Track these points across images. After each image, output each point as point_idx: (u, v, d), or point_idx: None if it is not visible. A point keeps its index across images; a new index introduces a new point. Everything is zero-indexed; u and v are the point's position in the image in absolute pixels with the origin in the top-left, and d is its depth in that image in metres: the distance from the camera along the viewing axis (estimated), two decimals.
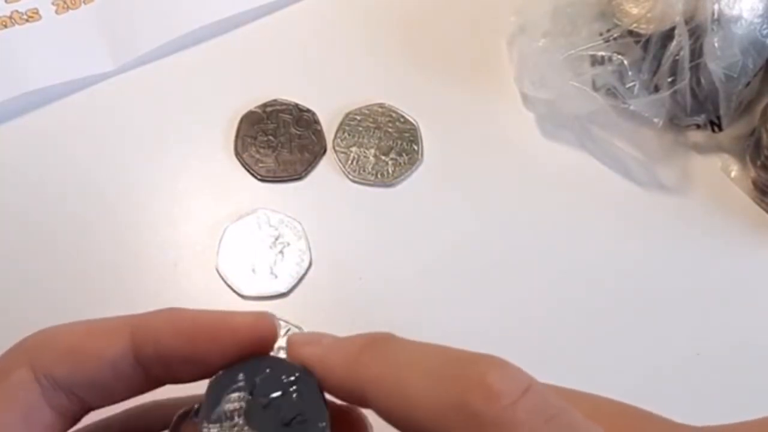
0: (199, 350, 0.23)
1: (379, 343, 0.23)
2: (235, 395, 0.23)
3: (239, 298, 0.42)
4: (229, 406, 0.23)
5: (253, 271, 0.43)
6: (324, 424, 0.23)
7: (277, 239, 0.44)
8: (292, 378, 0.24)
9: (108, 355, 0.23)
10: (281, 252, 0.43)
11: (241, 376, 0.24)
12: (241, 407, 0.23)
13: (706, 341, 0.42)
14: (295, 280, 0.43)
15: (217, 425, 0.23)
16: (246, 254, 0.43)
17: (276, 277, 0.43)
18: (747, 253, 0.45)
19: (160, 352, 0.23)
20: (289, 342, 0.25)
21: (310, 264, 0.43)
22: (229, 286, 0.43)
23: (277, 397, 0.23)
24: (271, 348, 0.24)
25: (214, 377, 0.24)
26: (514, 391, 0.20)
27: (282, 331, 0.41)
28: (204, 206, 0.45)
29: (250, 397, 0.23)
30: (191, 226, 0.45)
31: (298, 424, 0.23)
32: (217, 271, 0.43)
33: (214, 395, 0.23)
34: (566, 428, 0.21)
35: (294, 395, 0.23)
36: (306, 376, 0.24)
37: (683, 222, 0.45)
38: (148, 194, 0.46)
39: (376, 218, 0.45)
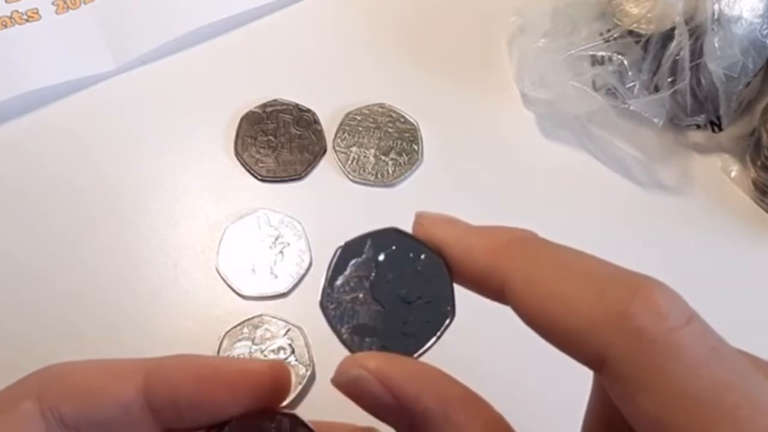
0: (214, 396, 0.23)
1: (529, 240, 0.23)
2: (361, 264, 0.23)
3: (239, 298, 0.42)
4: (354, 275, 0.23)
5: (253, 271, 0.43)
6: (449, 307, 0.22)
7: (277, 239, 0.44)
8: (421, 256, 0.23)
9: (120, 397, 0.23)
10: (281, 252, 0.43)
11: (368, 245, 0.23)
12: (365, 277, 0.23)
13: None
14: (295, 280, 0.43)
15: (341, 292, 0.23)
16: (246, 254, 0.43)
17: (276, 277, 0.43)
18: (747, 253, 0.45)
19: (173, 396, 0.23)
20: (418, 219, 0.24)
21: (310, 264, 0.43)
22: (229, 286, 0.43)
23: (402, 274, 0.23)
24: (285, 398, 0.24)
25: (343, 243, 0.23)
26: (681, 316, 0.20)
27: (282, 331, 0.41)
28: (204, 206, 0.45)
29: (375, 269, 0.23)
30: (191, 226, 0.45)
31: (423, 304, 0.22)
32: (217, 271, 0.43)
33: (341, 261, 0.23)
34: (728, 361, 0.20)
35: (419, 274, 0.23)
36: (433, 257, 0.23)
37: (683, 222, 0.45)
38: (148, 194, 0.46)
39: (376, 218, 0.45)
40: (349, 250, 0.24)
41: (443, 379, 0.22)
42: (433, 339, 0.22)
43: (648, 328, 0.19)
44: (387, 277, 0.23)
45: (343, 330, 0.23)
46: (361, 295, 0.23)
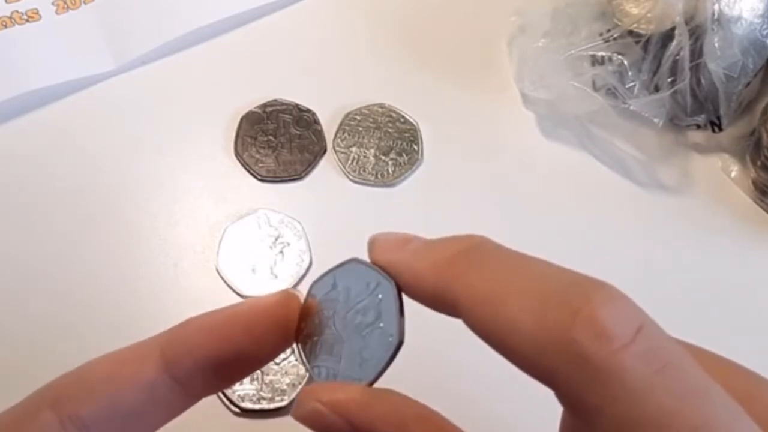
0: (235, 346, 0.23)
1: (474, 250, 0.22)
2: (326, 300, 0.24)
3: (239, 299, 0.42)
4: (320, 310, 0.24)
5: (253, 271, 0.43)
6: (393, 334, 0.22)
7: (277, 239, 0.44)
8: (378, 284, 0.24)
9: (141, 379, 0.22)
10: (281, 252, 0.43)
11: (333, 281, 0.24)
12: (330, 310, 0.24)
13: (705, 341, 0.42)
14: (295, 280, 0.43)
15: (311, 328, 0.24)
16: (246, 254, 0.43)
17: (276, 277, 0.43)
18: (747, 253, 0.45)
19: (197, 359, 0.23)
20: (372, 245, 0.24)
21: (310, 264, 0.43)
22: (229, 286, 0.43)
23: (361, 304, 0.24)
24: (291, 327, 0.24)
25: (311, 284, 0.24)
26: (627, 331, 0.19)
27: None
28: (204, 206, 0.45)
29: (337, 303, 0.24)
30: (191, 226, 0.45)
31: (378, 331, 0.23)
32: (217, 271, 0.43)
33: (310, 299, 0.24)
34: (678, 380, 0.18)
35: (377, 302, 0.23)
36: (384, 283, 0.23)
37: (683, 222, 0.45)
38: (148, 194, 0.46)
39: (376, 218, 0.45)
40: (317, 288, 0.25)
41: (398, 402, 0.22)
42: (383, 365, 0.23)
43: (591, 352, 0.18)
44: (348, 308, 0.24)
45: (310, 364, 0.25)
46: (326, 331, 0.24)
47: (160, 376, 0.22)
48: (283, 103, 0.48)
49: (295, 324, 0.24)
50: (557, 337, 0.19)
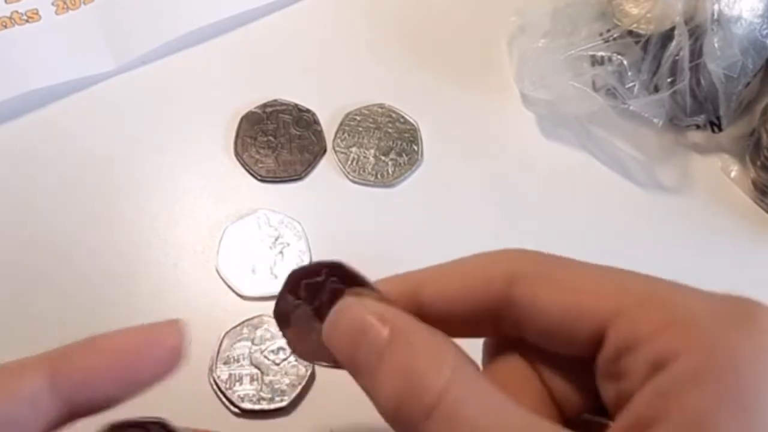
0: (124, 366, 0.24)
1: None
2: (311, 285, 0.27)
3: (239, 298, 0.42)
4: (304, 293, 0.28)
5: (253, 271, 0.43)
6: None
7: (277, 239, 0.44)
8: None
9: (23, 391, 0.23)
10: (281, 252, 0.43)
11: (324, 272, 0.27)
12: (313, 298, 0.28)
13: None
14: None
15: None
16: (246, 254, 0.43)
17: (276, 277, 0.43)
18: (747, 253, 0.45)
19: (79, 380, 0.23)
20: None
21: None
22: (229, 287, 0.43)
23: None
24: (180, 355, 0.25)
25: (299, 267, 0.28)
26: None
27: None
28: (204, 206, 0.45)
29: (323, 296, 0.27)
30: (191, 226, 0.45)
31: None
32: (217, 271, 0.43)
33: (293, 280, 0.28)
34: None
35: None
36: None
37: (683, 222, 0.45)
38: (148, 194, 0.46)
39: (376, 218, 0.45)
40: (304, 272, 0.27)
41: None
42: None
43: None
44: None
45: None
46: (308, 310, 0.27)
47: (42, 390, 0.23)
48: (283, 104, 0.48)
49: (180, 351, 0.25)
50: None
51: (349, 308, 0.26)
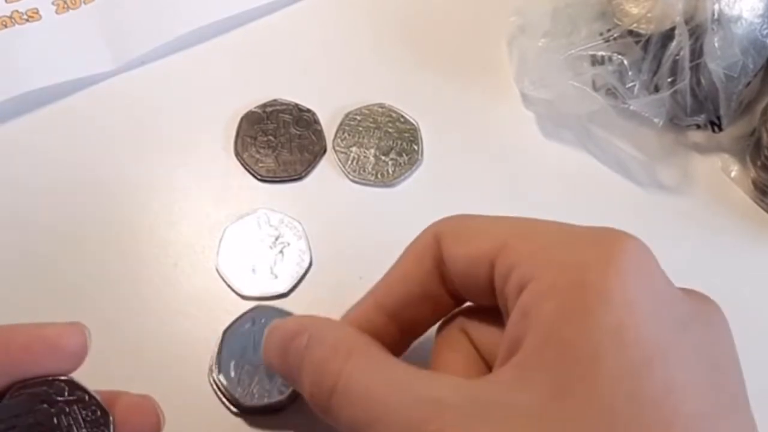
0: (12, 361, 0.24)
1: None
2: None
3: (239, 298, 0.42)
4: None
5: (253, 271, 0.43)
6: None
7: (277, 239, 0.44)
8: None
9: None
10: (281, 252, 0.43)
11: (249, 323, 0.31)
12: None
13: None
14: (295, 280, 0.43)
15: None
16: (246, 254, 0.43)
17: (276, 277, 0.43)
18: (747, 253, 0.45)
19: None
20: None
21: (310, 264, 0.43)
22: (229, 286, 0.43)
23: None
24: (81, 359, 0.26)
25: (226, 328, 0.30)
26: None
27: None
28: (204, 206, 0.45)
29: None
30: (191, 226, 0.45)
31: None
32: (217, 271, 0.43)
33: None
34: None
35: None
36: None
37: (683, 222, 0.45)
38: (147, 194, 0.46)
39: (376, 218, 0.45)
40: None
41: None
42: None
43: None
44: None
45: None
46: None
47: None
48: (283, 103, 0.48)
49: (77, 357, 0.26)
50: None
51: (276, 327, 0.31)
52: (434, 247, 0.29)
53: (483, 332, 0.30)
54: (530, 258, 0.26)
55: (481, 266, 0.27)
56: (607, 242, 0.26)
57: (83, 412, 0.25)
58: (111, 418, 0.25)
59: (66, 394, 0.25)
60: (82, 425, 0.25)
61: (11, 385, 0.24)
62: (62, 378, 0.25)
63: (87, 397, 0.25)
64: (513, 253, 0.26)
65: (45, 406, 0.24)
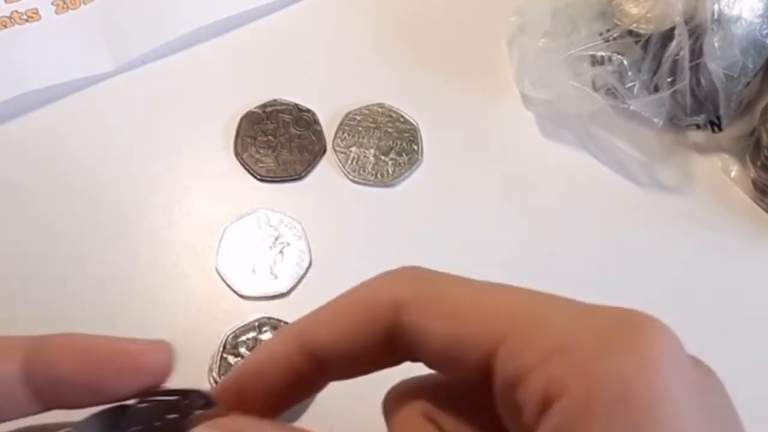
0: (95, 378, 0.23)
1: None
2: None
3: (239, 298, 0.42)
4: None
5: (253, 271, 0.43)
6: None
7: (277, 239, 0.44)
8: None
9: (1, 372, 0.23)
10: (281, 252, 0.43)
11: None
12: None
13: (706, 341, 0.42)
14: (295, 280, 0.43)
15: None
16: (246, 254, 0.43)
17: (276, 277, 0.43)
18: (747, 253, 0.45)
19: (52, 377, 0.23)
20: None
21: (310, 264, 0.43)
22: (229, 286, 0.43)
23: None
24: (167, 376, 0.24)
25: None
26: None
27: None
28: (204, 206, 0.45)
29: None
30: (191, 226, 0.45)
31: None
32: (217, 271, 0.43)
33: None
34: None
35: None
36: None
37: (683, 222, 0.45)
38: (147, 194, 0.46)
39: (376, 218, 0.45)
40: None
41: None
42: None
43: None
44: None
45: None
46: None
47: (13, 377, 0.23)
48: (282, 103, 0.48)
49: (164, 373, 0.24)
50: None
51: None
52: (389, 313, 0.25)
53: (460, 425, 0.25)
54: (551, 361, 0.22)
55: (471, 352, 0.23)
56: (640, 339, 0.22)
57: None
58: None
59: (199, 405, 0.24)
60: None
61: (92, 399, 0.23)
62: (196, 390, 0.24)
63: (218, 412, 0.24)
64: (523, 348, 0.22)
65: (176, 417, 0.24)
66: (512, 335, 0.23)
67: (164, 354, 0.24)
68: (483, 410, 0.24)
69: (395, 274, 0.26)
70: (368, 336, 0.25)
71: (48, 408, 0.24)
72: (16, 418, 0.24)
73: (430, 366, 0.25)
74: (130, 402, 0.23)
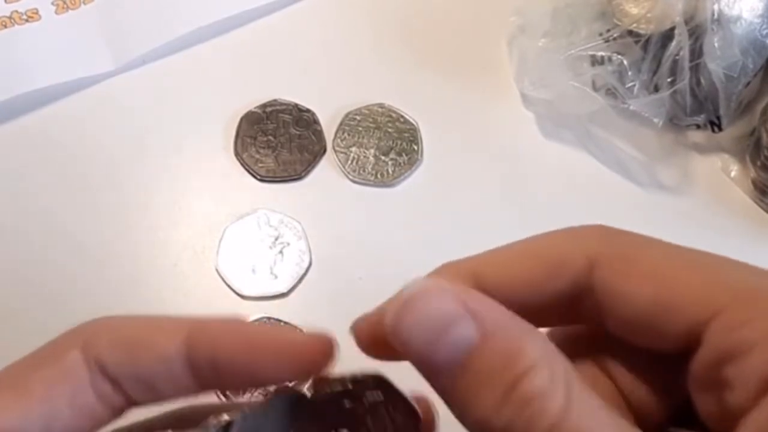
0: (255, 363, 0.23)
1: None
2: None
3: (239, 298, 0.42)
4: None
5: (253, 271, 0.43)
6: None
7: (276, 239, 0.44)
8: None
9: (162, 351, 0.22)
10: (281, 252, 0.43)
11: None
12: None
13: None
14: (295, 280, 0.43)
15: None
16: (246, 254, 0.43)
17: (276, 277, 0.43)
18: (747, 253, 0.45)
19: (215, 358, 0.23)
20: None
21: (310, 264, 0.43)
22: (229, 286, 0.43)
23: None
24: (327, 367, 0.23)
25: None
26: None
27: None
28: (204, 206, 0.45)
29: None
30: (191, 226, 0.45)
31: None
32: (217, 271, 0.43)
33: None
34: None
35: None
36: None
37: (683, 222, 0.45)
38: (147, 194, 0.46)
39: (376, 218, 0.45)
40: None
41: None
42: None
43: None
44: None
45: None
46: None
47: (178, 355, 0.22)
48: (282, 103, 0.48)
49: (323, 365, 0.23)
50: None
51: (425, 293, 0.21)
52: (581, 268, 0.23)
53: (638, 381, 0.23)
54: None
55: (673, 319, 0.21)
56: None
57: (392, 414, 0.22)
58: (420, 423, 0.23)
59: (376, 393, 0.23)
60: (391, 428, 0.22)
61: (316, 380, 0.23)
62: (371, 374, 0.23)
63: (396, 398, 0.23)
64: (743, 323, 0.21)
65: (353, 405, 0.23)
66: (730, 308, 0.21)
67: (328, 347, 0.23)
68: (656, 377, 0.23)
69: (589, 229, 0.24)
70: (552, 288, 0.23)
71: (203, 390, 0.23)
72: (173, 397, 0.23)
73: (614, 331, 0.23)
74: (303, 389, 0.23)
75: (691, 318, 0.21)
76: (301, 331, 0.24)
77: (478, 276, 0.23)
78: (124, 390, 0.22)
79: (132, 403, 0.23)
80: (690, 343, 0.21)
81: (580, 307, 0.23)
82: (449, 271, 0.24)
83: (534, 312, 0.23)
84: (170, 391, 0.23)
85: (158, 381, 0.23)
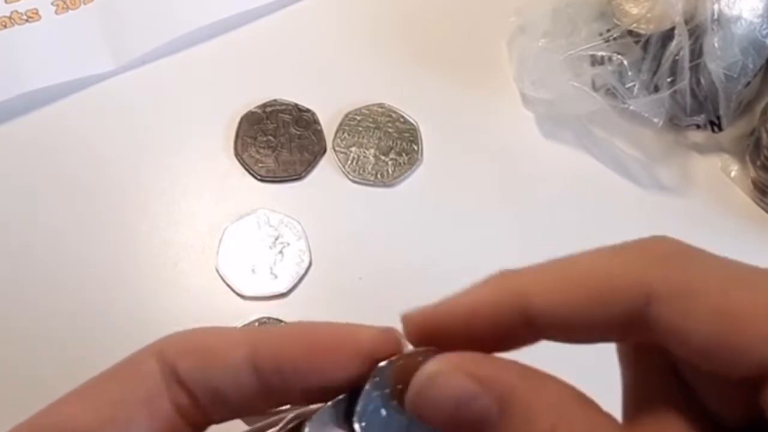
0: (319, 362, 0.23)
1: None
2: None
3: (239, 299, 0.42)
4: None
5: (253, 271, 0.43)
6: None
7: (276, 239, 0.44)
8: None
9: (230, 358, 0.23)
10: (281, 252, 0.43)
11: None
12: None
13: None
14: (295, 280, 0.43)
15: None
16: (246, 254, 0.43)
17: (276, 277, 0.43)
18: (747, 253, 0.45)
19: (279, 361, 0.23)
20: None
21: (310, 264, 0.43)
22: (229, 286, 0.43)
23: None
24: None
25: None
26: None
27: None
28: (204, 206, 0.45)
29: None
30: (191, 226, 0.45)
31: None
32: (217, 271, 0.43)
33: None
34: None
35: None
36: None
37: (683, 222, 0.45)
38: (147, 194, 0.46)
39: (376, 218, 0.45)
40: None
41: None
42: None
43: None
44: None
45: None
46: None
47: (247, 362, 0.23)
48: (282, 103, 0.48)
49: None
50: None
51: (440, 374, 0.22)
52: (636, 300, 0.22)
53: (710, 394, 0.22)
54: None
55: (744, 358, 0.20)
56: None
57: None
58: None
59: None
60: None
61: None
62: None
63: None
64: None
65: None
66: None
67: (394, 345, 0.23)
68: (732, 392, 0.22)
69: (644, 248, 0.24)
70: (602, 315, 0.22)
71: (272, 404, 0.23)
72: (246, 413, 0.24)
73: (676, 355, 0.22)
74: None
75: (760, 356, 0.20)
76: (365, 325, 0.24)
77: (525, 296, 0.23)
78: (199, 401, 0.23)
79: (209, 420, 0.23)
80: (762, 377, 0.20)
81: (638, 335, 0.23)
82: (496, 283, 0.24)
83: (586, 333, 0.23)
84: (239, 400, 0.23)
85: (227, 390, 0.23)
